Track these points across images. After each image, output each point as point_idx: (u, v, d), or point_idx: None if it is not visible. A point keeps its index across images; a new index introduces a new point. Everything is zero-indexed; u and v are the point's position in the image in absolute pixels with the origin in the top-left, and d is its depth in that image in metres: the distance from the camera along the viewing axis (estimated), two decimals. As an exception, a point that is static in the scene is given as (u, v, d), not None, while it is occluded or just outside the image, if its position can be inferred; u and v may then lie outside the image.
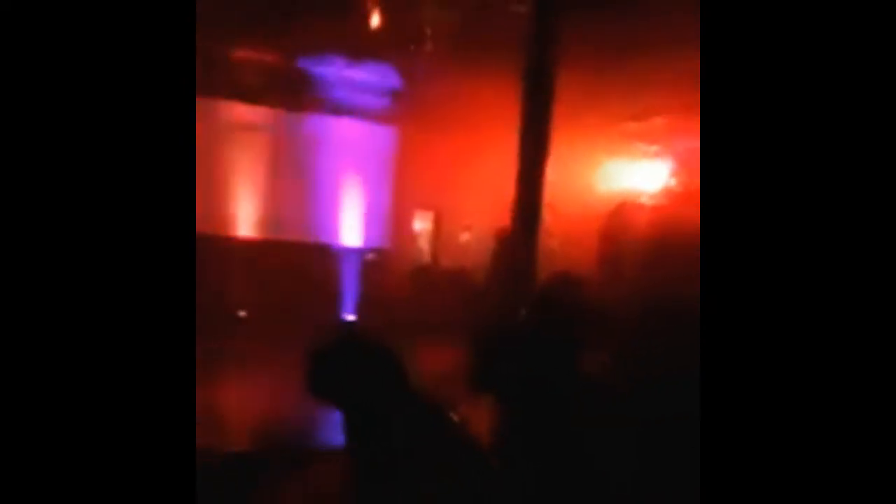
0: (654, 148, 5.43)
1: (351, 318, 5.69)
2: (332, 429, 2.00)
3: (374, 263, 8.28)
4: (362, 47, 6.10)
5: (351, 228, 8.16)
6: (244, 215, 7.66)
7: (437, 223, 8.77)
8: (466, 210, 8.31)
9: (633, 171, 5.95)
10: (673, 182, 4.73)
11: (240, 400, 5.52)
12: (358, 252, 8.17)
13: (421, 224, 8.81)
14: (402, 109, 7.85)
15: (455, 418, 1.87)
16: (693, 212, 1.27)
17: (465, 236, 8.44)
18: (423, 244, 8.82)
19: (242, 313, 7.46)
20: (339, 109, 7.87)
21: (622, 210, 2.35)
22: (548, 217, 3.73)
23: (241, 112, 7.47)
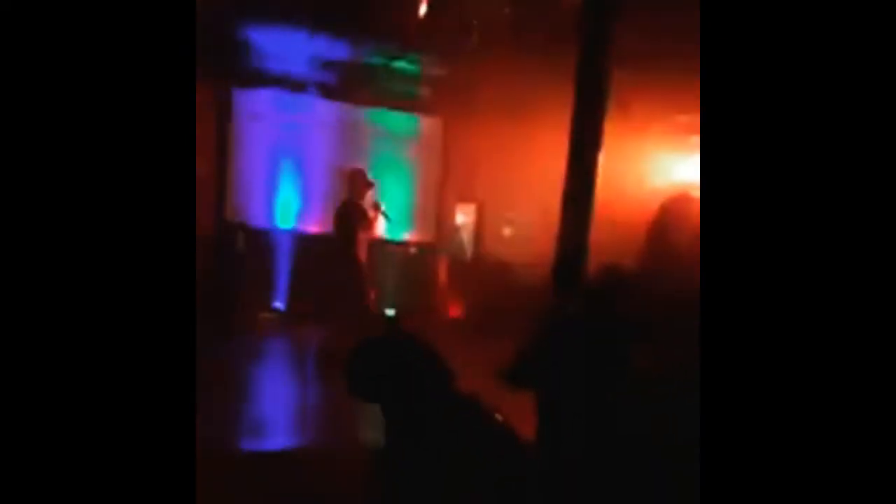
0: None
1: (391, 312, 5.68)
2: (372, 425, 1.99)
3: (415, 257, 8.24)
4: (407, 36, 6.05)
5: (392, 221, 8.14)
6: (282, 207, 7.67)
7: (480, 216, 8.67)
8: (510, 203, 8.22)
9: (685, 164, 5.80)
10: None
11: (278, 395, 5.55)
12: (399, 245, 8.13)
13: (463, 217, 8.71)
14: (445, 100, 7.78)
15: (497, 415, 1.83)
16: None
17: (508, 230, 8.34)
18: (466, 237, 8.72)
19: (280, 307, 7.51)
20: (380, 100, 7.84)
21: (674, 203, 2.27)
22: (596, 210, 3.66)
23: (279, 102, 7.47)
